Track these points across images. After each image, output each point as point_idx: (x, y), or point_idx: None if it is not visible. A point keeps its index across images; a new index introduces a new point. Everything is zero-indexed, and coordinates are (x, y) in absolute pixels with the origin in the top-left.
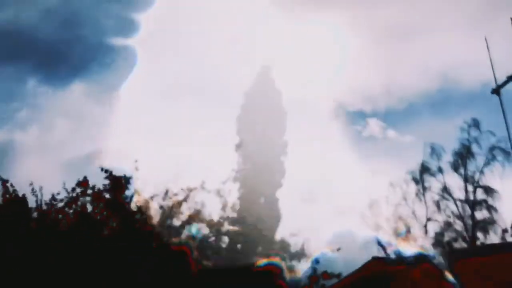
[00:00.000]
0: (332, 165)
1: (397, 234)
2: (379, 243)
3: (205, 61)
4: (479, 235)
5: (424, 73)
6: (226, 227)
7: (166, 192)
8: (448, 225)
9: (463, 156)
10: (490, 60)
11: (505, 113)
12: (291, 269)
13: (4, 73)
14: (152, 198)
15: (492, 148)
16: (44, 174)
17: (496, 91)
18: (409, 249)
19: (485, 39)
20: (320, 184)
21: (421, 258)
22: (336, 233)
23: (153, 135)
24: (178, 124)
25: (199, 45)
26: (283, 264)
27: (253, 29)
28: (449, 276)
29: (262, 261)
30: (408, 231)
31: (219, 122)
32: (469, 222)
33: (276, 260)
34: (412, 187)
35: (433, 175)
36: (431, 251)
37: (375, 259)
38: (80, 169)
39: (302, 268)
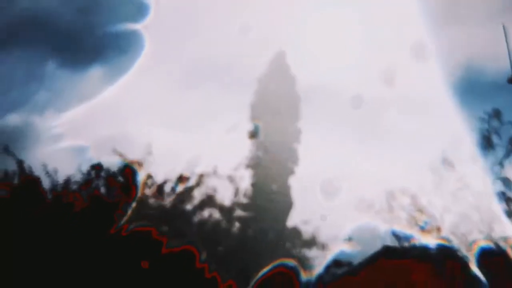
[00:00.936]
0: (348, 154)
1: (418, 225)
2: (395, 235)
3: (220, 45)
4: (497, 228)
5: (447, 63)
6: (238, 212)
7: (179, 177)
8: (464, 216)
9: (482, 147)
10: (508, 49)
11: None
12: (307, 269)
13: (24, 56)
14: (164, 182)
15: None
16: (60, 157)
17: None
18: (432, 241)
19: (503, 27)
20: (335, 173)
21: (445, 251)
22: (353, 226)
23: (167, 120)
24: (192, 110)
25: (213, 29)
26: (297, 265)
27: (271, 12)
28: (473, 268)
29: (277, 262)
30: (430, 222)
31: (233, 108)
32: (487, 215)
33: (290, 261)
34: (430, 177)
35: (451, 165)
36: (454, 243)
37: (386, 248)
38: (96, 153)
39: (313, 256)
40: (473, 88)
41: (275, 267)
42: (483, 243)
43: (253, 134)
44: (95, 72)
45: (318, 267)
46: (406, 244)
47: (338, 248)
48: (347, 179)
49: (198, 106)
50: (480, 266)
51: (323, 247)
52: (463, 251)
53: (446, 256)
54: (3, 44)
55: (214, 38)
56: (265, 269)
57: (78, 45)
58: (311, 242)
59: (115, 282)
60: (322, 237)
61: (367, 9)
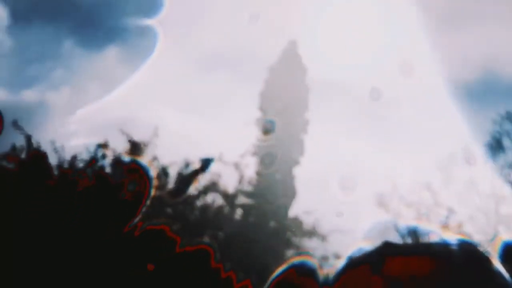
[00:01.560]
0: (357, 148)
1: (439, 221)
2: (398, 229)
3: (234, 33)
4: (502, 230)
5: (465, 63)
6: (241, 199)
7: (185, 161)
8: (470, 217)
9: (493, 148)
10: None
11: None
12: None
13: (43, 33)
14: (170, 165)
15: None
16: (73, 135)
17: None
18: (451, 236)
19: None
20: (341, 166)
21: (466, 246)
22: (368, 221)
23: (178, 105)
24: (203, 96)
25: (228, 17)
26: (316, 263)
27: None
28: (496, 264)
29: (295, 259)
30: (450, 217)
31: (244, 96)
32: (493, 216)
33: (308, 258)
34: (438, 176)
35: (460, 165)
36: (474, 239)
37: (386, 243)
38: (107, 132)
39: (312, 246)
40: (490, 89)
41: (292, 267)
42: (507, 238)
43: (268, 130)
44: (111, 52)
45: (317, 258)
46: (425, 239)
47: (355, 245)
48: (356, 173)
49: (210, 92)
50: (503, 261)
51: (323, 238)
52: (485, 246)
53: (467, 252)
54: (20, 18)
55: (229, 26)
56: (282, 268)
57: (96, 24)
58: (312, 233)
59: (125, 282)
60: (323, 229)
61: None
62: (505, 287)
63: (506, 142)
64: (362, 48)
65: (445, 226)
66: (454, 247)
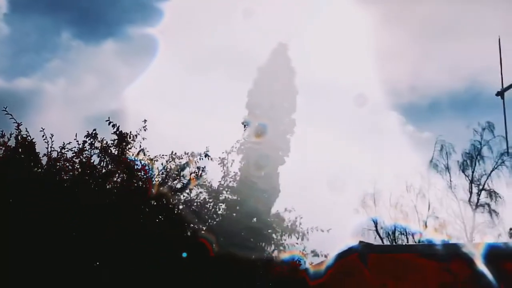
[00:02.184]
0: (341, 151)
1: (422, 222)
2: (377, 230)
3: (228, 35)
4: (477, 237)
5: (453, 74)
6: (225, 195)
7: (171, 155)
8: (445, 223)
9: (472, 157)
10: (500, 61)
11: (506, 116)
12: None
13: (41, 23)
14: (156, 158)
15: (502, 153)
16: (66, 126)
17: (501, 93)
18: (437, 238)
19: (499, 41)
20: (325, 167)
21: (451, 247)
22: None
23: (171, 103)
24: (197, 94)
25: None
26: (308, 260)
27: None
28: (480, 265)
29: (285, 255)
30: (435, 219)
31: (235, 94)
32: (469, 223)
33: (298, 254)
34: (418, 182)
35: (440, 172)
36: (460, 239)
37: (361, 243)
38: (101, 125)
39: (291, 243)
40: (478, 100)
41: (285, 262)
42: (490, 240)
43: (260, 133)
44: (108, 46)
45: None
46: (410, 239)
47: (344, 242)
48: (341, 174)
49: (202, 90)
50: (487, 262)
51: (302, 236)
52: (469, 248)
53: (452, 253)
54: (19, 7)
55: (223, 27)
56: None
57: (95, 18)
58: (292, 230)
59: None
60: (303, 226)
61: (381, 14)
62: (489, 287)
63: (485, 151)
64: (352, 53)
65: (428, 228)
66: (440, 247)
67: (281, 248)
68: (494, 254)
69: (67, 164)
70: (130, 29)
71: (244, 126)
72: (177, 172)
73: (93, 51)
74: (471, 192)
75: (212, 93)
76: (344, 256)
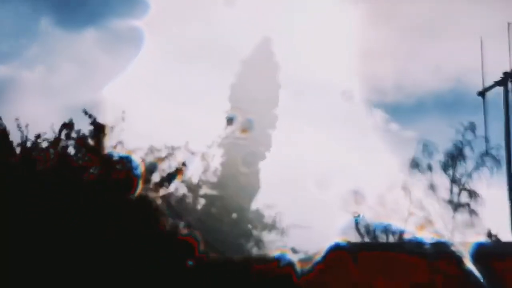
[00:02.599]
0: (323, 147)
1: (411, 220)
2: (357, 228)
3: (213, 28)
4: (457, 236)
5: (438, 73)
6: (205, 190)
7: (150, 147)
8: (428, 222)
9: (454, 157)
10: (482, 61)
11: (486, 115)
12: (303, 261)
13: (20, 9)
14: (134, 151)
15: (483, 154)
16: (43, 115)
17: (482, 93)
18: (426, 236)
19: (481, 41)
20: (307, 164)
21: (440, 246)
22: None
23: (154, 95)
24: (179, 88)
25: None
26: (294, 258)
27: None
28: (468, 264)
29: (275, 253)
30: (423, 217)
31: (216, 87)
32: (449, 222)
33: (286, 252)
34: (400, 180)
35: (422, 171)
36: (448, 238)
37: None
38: (80, 115)
39: (270, 239)
40: (463, 101)
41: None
42: (479, 239)
43: (230, 121)
44: (89, 35)
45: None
46: (391, 238)
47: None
48: (324, 171)
49: (186, 83)
50: (475, 261)
51: (282, 232)
52: (458, 246)
53: (440, 251)
54: None
55: (208, 20)
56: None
57: (75, 5)
58: (272, 226)
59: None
60: (283, 223)
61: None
62: (477, 285)
63: (467, 151)
64: (338, 50)
65: (419, 226)
66: (429, 246)
67: (261, 244)
68: (481, 252)
69: (42, 155)
70: (114, 20)
71: (228, 121)
72: (155, 166)
73: (73, 39)
74: (452, 192)
75: (194, 86)
76: (333, 253)
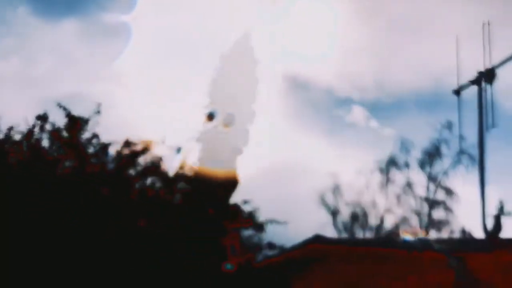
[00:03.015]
0: (303, 144)
1: (401, 223)
2: (335, 224)
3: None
4: (433, 233)
5: (419, 73)
6: (181, 185)
7: (126, 141)
8: (404, 219)
9: (431, 155)
10: (457, 60)
11: (461, 114)
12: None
13: None
14: (109, 144)
15: (459, 152)
16: (17, 107)
17: (457, 92)
18: (395, 233)
19: (456, 40)
20: (284, 159)
21: (425, 243)
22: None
23: (131, 89)
24: (158, 81)
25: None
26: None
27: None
28: (452, 261)
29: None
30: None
31: (196, 81)
32: (425, 219)
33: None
34: (377, 178)
35: (399, 169)
36: (418, 235)
37: (317, 237)
38: (56, 107)
39: (247, 235)
40: (442, 100)
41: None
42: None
43: (210, 117)
44: (69, 25)
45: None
46: (368, 234)
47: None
48: (300, 167)
49: (165, 77)
50: (457, 262)
51: (259, 228)
52: (437, 242)
53: (423, 248)
54: None
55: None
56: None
57: None
58: (249, 222)
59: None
60: (260, 218)
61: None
62: (458, 281)
63: (443, 149)
64: (319, 47)
65: (386, 223)
66: (409, 243)
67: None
68: (455, 248)
69: (15, 147)
70: (94, 10)
71: (209, 116)
72: (131, 159)
73: (51, 30)
74: (428, 189)
75: (174, 80)
76: (310, 245)
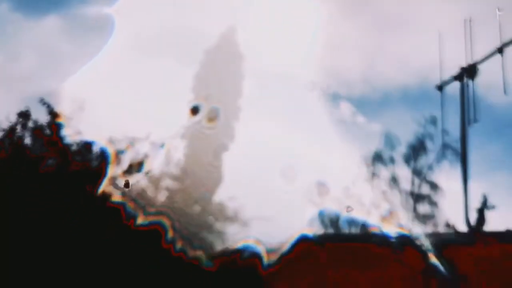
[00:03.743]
0: (288, 139)
1: (381, 214)
2: (322, 220)
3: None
4: (418, 227)
5: (405, 68)
6: (167, 182)
7: (110, 138)
8: (391, 214)
9: (415, 149)
10: (440, 56)
11: (444, 109)
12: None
13: None
14: (93, 142)
15: (443, 146)
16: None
17: (440, 88)
18: (390, 229)
19: (439, 36)
20: (273, 156)
21: (404, 239)
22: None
23: (115, 85)
24: (142, 77)
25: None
26: (261, 249)
27: None
28: (433, 258)
29: (240, 244)
30: (390, 210)
31: (181, 77)
32: (410, 213)
33: (254, 243)
34: (363, 173)
35: (384, 163)
36: (414, 231)
37: (303, 236)
38: (38, 105)
39: (232, 232)
40: (429, 96)
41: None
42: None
43: (212, 118)
44: (51, 22)
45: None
46: (361, 230)
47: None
48: (286, 164)
49: (149, 73)
50: (440, 256)
51: (244, 224)
52: (423, 240)
53: (405, 244)
54: None
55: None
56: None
57: None
58: (234, 219)
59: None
60: (245, 215)
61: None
62: (442, 279)
63: (428, 144)
64: (305, 43)
65: (385, 218)
66: (393, 239)
67: (223, 236)
68: (437, 242)
69: None
70: (78, 5)
71: (193, 110)
72: (115, 157)
73: (34, 26)
74: (413, 184)
75: (159, 75)
76: (300, 245)
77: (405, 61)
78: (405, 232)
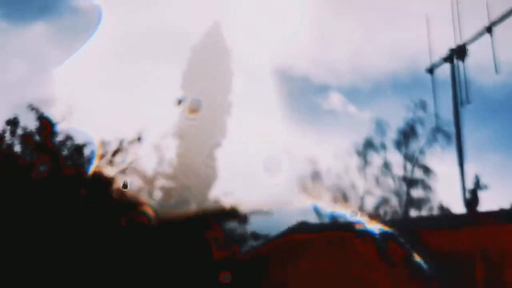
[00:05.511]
0: (281, 133)
1: (356, 211)
2: (317, 212)
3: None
4: (412, 211)
5: (395, 55)
6: (161, 182)
7: (101, 141)
8: (384, 200)
9: (406, 134)
10: (428, 39)
11: (435, 92)
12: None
13: None
14: (84, 145)
15: (434, 130)
16: None
17: (430, 70)
18: (372, 225)
19: (426, 19)
20: (265, 149)
21: (386, 236)
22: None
23: (105, 86)
24: (130, 76)
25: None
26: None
27: None
28: (415, 256)
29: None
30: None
31: (169, 76)
32: (404, 198)
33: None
34: (355, 160)
35: (376, 150)
36: (397, 215)
37: (301, 224)
38: (27, 111)
39: (231, 227)
40: (419, 82)
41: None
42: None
43: (194, 109)
44: (39, 27)
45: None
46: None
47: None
48: (279, 157)
49: (138, 73)
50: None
51: (242, 219)
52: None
53: (389, 241)
54: None
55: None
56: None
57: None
58: (231, 214)
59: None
60: (242, 210)
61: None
62: (424, 275)
63: (418, 128)
64: (294, 34)
65: (362, 210)
66: (376, 236)
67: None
68: (411, 228)
69: None
70: (64, 10)
71: (179, 103)
72: (108, 159)
73: (21, 33)
74: (405, 169)
75: (148, 75)
76: (285, 237)
77: (395, 48)
78: (388, 230)
